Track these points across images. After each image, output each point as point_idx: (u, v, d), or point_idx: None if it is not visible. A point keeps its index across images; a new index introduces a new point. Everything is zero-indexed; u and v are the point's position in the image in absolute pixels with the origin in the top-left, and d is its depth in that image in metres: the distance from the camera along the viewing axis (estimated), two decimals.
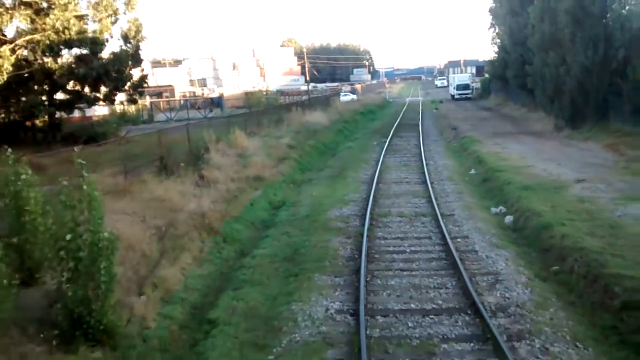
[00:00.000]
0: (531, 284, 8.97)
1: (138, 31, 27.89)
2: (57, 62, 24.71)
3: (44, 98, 25.54)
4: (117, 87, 28.23)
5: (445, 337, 7.28)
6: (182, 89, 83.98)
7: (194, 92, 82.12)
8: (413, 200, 15.21)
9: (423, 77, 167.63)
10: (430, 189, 16.13)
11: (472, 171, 19.40)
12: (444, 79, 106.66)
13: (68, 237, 7.12)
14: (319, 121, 34.95)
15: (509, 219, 13.09)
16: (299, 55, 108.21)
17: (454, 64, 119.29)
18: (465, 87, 64.02)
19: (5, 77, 21.52)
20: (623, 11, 23.12)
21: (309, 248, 11.24)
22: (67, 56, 25.70)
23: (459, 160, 22.05)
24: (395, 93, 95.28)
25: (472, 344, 7.08)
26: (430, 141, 28.36)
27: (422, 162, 21.15)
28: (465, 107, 50.55)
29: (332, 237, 11.85)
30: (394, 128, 34.86)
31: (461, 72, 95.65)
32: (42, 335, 7.24)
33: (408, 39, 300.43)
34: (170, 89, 78.43)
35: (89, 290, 7.25)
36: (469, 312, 7.95)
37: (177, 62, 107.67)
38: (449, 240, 10.99)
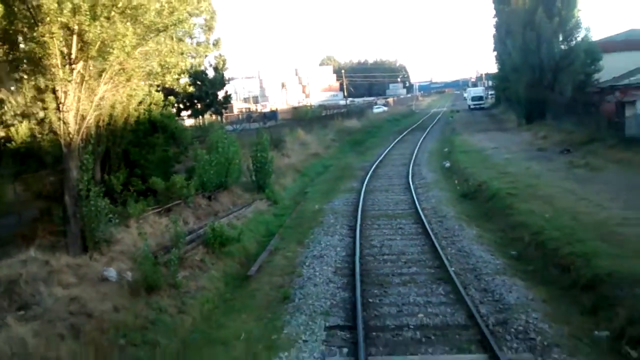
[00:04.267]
0: (436, 178, 21.57)
1: (224, 63, 41.43)
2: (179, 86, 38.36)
3: None
4: (211, 103, 41.82)
5: (395, 188, 19.98)
6: (238, 105, 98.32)
7: (249, 108, 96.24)
8: (402, 160, 27.94)
9: (453, 90, 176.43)
10: (414, 156, 28.77)
11: (445, 149, 31.74)
12: None
13: (259, 155, 20.15)
14: (354, 126, 47.96)
15: (448, 165, 25.52)
16: (338, 72, 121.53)
17: (481, 78, 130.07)
18: (480, 98, 75.66)
19: None
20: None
21: (345, 175, 24.18)
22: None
23: (442, 144, 34.40)
24: (424, 105, 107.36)
25: (403, 189, 19.72)
26: (430, 136, 40.87)
27: (417, 145, 33.76)
28: (474, 115, 62.33)
29: (356, 172, 24.77)
30: (408, 130, 47.55)
31: (483, 85, 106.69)
32: (245, 190, 20.20)
33: (446, 53, 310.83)
34: (230, 105, 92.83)
35: (264, 175, 20.23)
36: (405, 185, 20.58)
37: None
38: (410, 171, 23.64)
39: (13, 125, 15.17)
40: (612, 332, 7.59)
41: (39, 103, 11.29)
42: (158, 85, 16.53)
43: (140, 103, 15.64)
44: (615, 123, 24.94)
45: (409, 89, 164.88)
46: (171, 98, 17.79)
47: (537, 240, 11.47)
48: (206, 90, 39.91)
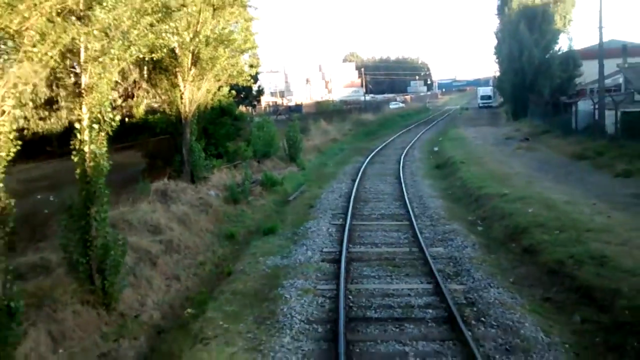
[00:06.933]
0: (423, 157, 29.06)
1: (258, 62, 49.04)
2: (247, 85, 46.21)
3: None
4: (246, 97, 49.58)
5: (390, 161, 27.50)
6: (265, 98, 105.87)
7: (276, 102, 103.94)
8: (402, 145, 35.46)
9: (475, 88, 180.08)
10: (413, 142, 36.23)
11: (440, 138, 39.08)
12: None
13: (291, 134, 27.84)
14: (369, 119, 55.54)
15: (436, 149, 32.88)
16: (360, 68, 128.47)
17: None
18: (488, 97, 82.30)
19: None
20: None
21: (355, 153, 31.80)
22: None
23: (438, 135, 41.71)
24: (440, 103, 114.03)
25: (395, 162, 27.21)
26: (432, 129, 48.26)
27: (418, 135, 41.19)
28: (480, 113, 69.21)
29: (364, 151, 32.37)
30: (416, 124, 54.94)
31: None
32: (281, 160, 27.91)
33: (471, 51, 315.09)
34: (258, 99, 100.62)
35: (295, 150, 27.92)
36: (397, 160, 28.06)
37: None
38: (404, 152, 31.14)
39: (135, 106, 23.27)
40: (476, 218, 15.10)
41: (169, 93, 19.07)
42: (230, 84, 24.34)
43: (214, 95, 23.42)
44: (567, 119, 32.09)
45: (430, 86, 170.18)
46: (232, 92, 25.48)
47: (463, 184, 18.99)
48: (242, 85, 47.75)
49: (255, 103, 54.07)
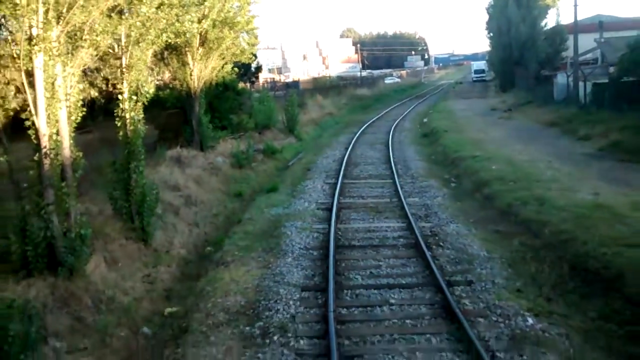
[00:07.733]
0: (412, 127, 31.28)
1: (256, 40, 50.92)
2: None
3: None
4: (245, 73, 51.49)
5: (381, 131, 29.74)
6: (263, 75, 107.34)
7: (273, 78, 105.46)
8: (394, 117, 37.67)
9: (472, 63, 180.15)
10: (404, 114, 38.42)
11: (430, 111, 41.21)
12: None
13: (289, 108, 30.00)
14: (364, 94, 57.50)
15: (425, 120, 35.06)
16: (358, 44, 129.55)
17: None
18: (482, 71, 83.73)
19: None
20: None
21: (349, 126, 34.04)
22: None
23: (429, 108, 43.83)
24: (435, 78, 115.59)
25: (385, 132, 29.46)
26: (424, 103, 50.35)
27: (411, 108, 43.33)
28: (473, 86, 70.98)
29: (358, 124, 34.56)
30: (410, 98, 56.99)
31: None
32: (280, 132, 30.14)
33: (469, 25, 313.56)
34: (256, 76, 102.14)
35: (293, 122, 30.12)
36: (388, 131, 30.28)
37: None
38: (396, 123, 33.35)
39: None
40: (450, 176, 17.43)
41: (179, 71, 21.18)
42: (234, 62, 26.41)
43: (219, 72, 25.53)
44: (549, 91, 34.23)
45: (427, 61, 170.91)
46: (235, 69, 27.54)
47: (444, 149, 21.29)
48: (243, 62, 49.70)
49: (254, 79, 56.03)
